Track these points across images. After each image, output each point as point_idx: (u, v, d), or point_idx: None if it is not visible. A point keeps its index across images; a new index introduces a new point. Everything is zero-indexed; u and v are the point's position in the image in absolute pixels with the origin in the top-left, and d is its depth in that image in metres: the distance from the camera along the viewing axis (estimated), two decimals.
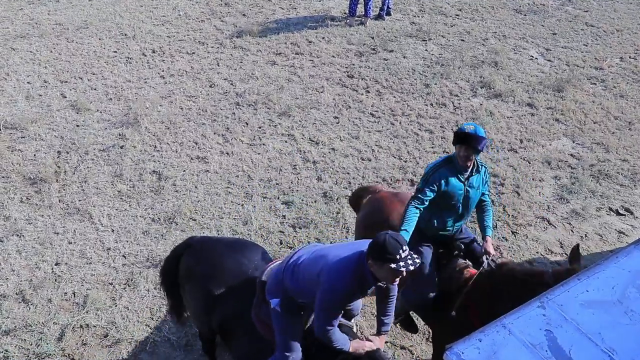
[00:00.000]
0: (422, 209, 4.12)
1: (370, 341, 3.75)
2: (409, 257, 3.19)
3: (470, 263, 4.46)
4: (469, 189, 4.23)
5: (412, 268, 3.19)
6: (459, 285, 4.26)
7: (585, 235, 6.31)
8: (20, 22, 11.32)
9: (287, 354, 3.69)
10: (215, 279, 4.14)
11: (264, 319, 3.82)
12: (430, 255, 4.40)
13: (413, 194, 4.21)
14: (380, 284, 3.57)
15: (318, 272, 3.43)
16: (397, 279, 3.38)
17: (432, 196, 4.12)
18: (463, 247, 4.54)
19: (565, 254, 6.02)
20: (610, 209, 6.70)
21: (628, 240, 6.18)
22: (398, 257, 3.15)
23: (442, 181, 4.11)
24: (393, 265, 3.15)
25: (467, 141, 4.04)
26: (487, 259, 4.29)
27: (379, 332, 3.93)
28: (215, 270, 4.18)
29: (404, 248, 3.19)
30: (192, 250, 4.41)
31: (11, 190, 6.86)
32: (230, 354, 4.43)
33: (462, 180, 4.18)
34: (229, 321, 4.06)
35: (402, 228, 4.02)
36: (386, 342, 4.82)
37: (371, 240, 3.29)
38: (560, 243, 6.19)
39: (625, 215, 6.62)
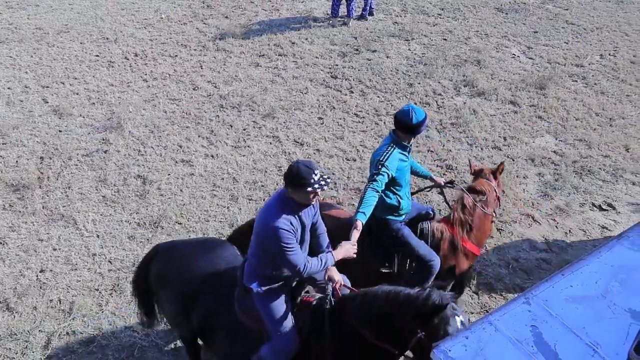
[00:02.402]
0: (379, 191, 4.33)
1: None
2: (321, 179, 3.51)
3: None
4: (409, 162, 4.70)
5: (325, 188, 3.53)
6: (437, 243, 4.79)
7: (570, 230, 6.38)
8: None
9: (280, 339, 3.75)
10: (190, 280, 4.13)
11: (248, 309, 3.87)
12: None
13: (369, 179, 4.41)
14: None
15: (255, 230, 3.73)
16: (314, 199, 3.63)
17: (387, 179, 4.36)
18: (432, 211, 4.99)
19: (551, 249, 6.09)
20: (593, 204, 6.78)
21: (611, 234, 6.26)
22: (312, 180, 3.47)
23: (396, 162, 4.40)
24: (309, 189, 3.49)
25: (414, 131, 4.41)
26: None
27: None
28: (188, 272, 4.17)
29: (316, 172, 3.50)
30: (160, 257, 4.40)
31: None
32: (214, 354, 4.42)
33: (407, 156, 4.56)
34: (209, 320, 4.06)
35: (360, 211, 4.21)
36: None
37: (285, 171, 3.60)
38: (545, 239, 6.24)
39: (608, 210, 6.70)
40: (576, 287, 3.31)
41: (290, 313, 3.82)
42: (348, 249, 3.87)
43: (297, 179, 3.49)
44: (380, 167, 4.33)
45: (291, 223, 3.58)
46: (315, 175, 3.50)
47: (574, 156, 7.53)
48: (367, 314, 3.57)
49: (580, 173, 7.25)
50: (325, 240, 4.04)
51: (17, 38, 10.68)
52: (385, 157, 4.35)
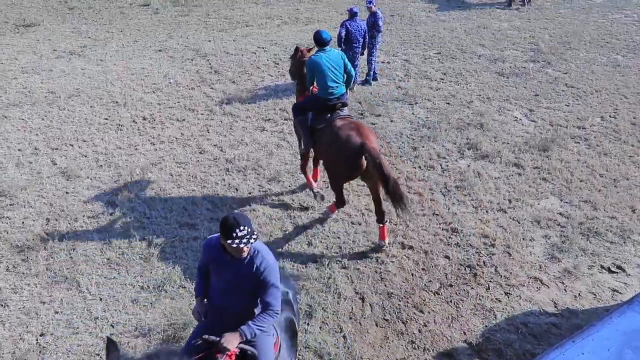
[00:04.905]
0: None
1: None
2: (245, 237, 3.59)
3: None
4: None
5: (243, 247, 3.60)
6: None
7: (579, 294, 6.28)
8: (14, 90, 11.50)
9: None
10: None
11: None
12: None
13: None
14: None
15: None
16: (243, 253, 3.72)
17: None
18: None
19: (560, 313, 5.97)
20: (602, 266, 6.69)
21: (622, 298, 6.15)
22: (234, 234, 3.58)
23: None
24: (229, 241, 3.60)
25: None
26: None
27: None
28: None
29: (242, 227, 3.58)
30: None
31: None
32: None
33: None
34: None
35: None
36: None
37: None
38: (554, 303, 6.14)
39: (617, 272, 6.61)
40: (588, 354, 3.24)
41: None
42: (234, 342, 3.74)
43: (222, 229, 3.63)
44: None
45: (216, 249, 3.83)
46: (241, 230, 3.57)
47: (580, 218, 7.50)
48: None
49: (587, 235, 7.20)
50: (265, 306, 3.89)
51: (30, 101, 10.94)
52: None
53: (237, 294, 3.96)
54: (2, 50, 14.02)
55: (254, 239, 3.68)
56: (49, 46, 14.32)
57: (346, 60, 7.16)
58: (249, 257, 3.83)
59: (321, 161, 7.75)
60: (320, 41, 7.03)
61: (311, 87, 7.35)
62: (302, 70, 7.45)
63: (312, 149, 7.36)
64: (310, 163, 7.95)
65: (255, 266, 3.83)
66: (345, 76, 7.16)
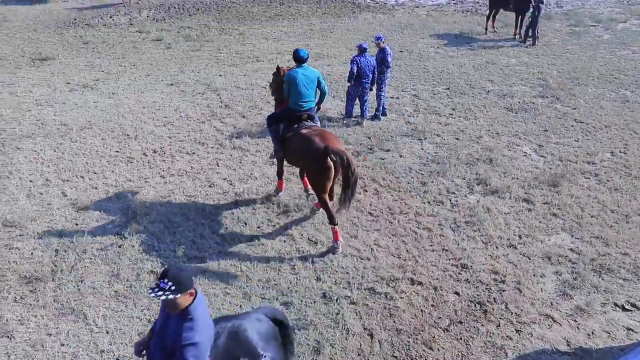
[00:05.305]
0: None
1: None
2: (160, 289, 3.65)
3: None
4: None
5: (153, 297, 3.64)
6: None
7: (593, 332, 6.16)
8: (27, 122, 11.66)
9: None
10: None
11: None
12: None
13: None
14: None
15: None
16: (171, 310, 3.76)
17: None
18: None
19: (574, 353, 5.86)
20: (616, 304, 6.58)
21: (637, 337, 6.04)
22: (155, 284, 3.68)
23: None
24: (150, 292, 3.67)
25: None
26: None
27: None
28: None
29: (165, 280, 3.65)
30: None
31: (5, 289, 6.76)
32: None
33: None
34: None
35: None
36: None
37: None
38: (567, 341, 6.02)
39: (632, 310, 6.49)
40: None
41: None
42: None
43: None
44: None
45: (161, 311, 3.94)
46: (164, 282, 3.66)
47: (591, 254, 7.42)
48: None
49: (600, 271, 7.10)
50: None
51: (42, 133, 11.08)
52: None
53: (161, 348, 3.92)
54: (18, 83, 14.28)
55: (166, 296, 3.67)
56: (63, 79, 14.57)
57: (321, 78, 8.06)
58: (181, 318, 3.78)
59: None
60: (297, 58, 7.84)
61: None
62: (282, 87, 8.15)
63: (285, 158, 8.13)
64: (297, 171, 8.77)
65: (180, 332, 3.75)
66: (318, 92, 8.11)
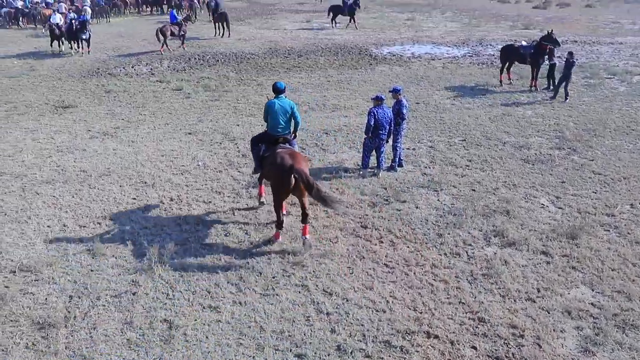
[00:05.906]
0: None
1: None
2: None
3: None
4: None
5: None
6: None
7: None
8: (47, 168, 11.87)
9: None
10: None
11: None
12: None
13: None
14: None
15: None
16: None
17: None
18: None
19: None
20: None
21: None
22: None
23: None
24: None
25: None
26: None
27: None
28: None
29: None
30: None
31: (17, 334, 6.74)
32: None
33: None
34: None
35: None
36: None
37: None
38: None
39: None
40: None
41: None
42: None
43: None
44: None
45: None
46: None
47: (613, 309, 7.23)
48: None
49: (623, 327, 6.91)
50: None
51: (62, 179, 11.25)
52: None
53: None
54: (40, 130, 14.61)
55: None
56: (84, 127, 14.88)
57: (295, 109, 9.33)
58: None
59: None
60: (275, 89, 9.29)
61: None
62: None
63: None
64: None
65: None
66: (292, 121, 9.36)
